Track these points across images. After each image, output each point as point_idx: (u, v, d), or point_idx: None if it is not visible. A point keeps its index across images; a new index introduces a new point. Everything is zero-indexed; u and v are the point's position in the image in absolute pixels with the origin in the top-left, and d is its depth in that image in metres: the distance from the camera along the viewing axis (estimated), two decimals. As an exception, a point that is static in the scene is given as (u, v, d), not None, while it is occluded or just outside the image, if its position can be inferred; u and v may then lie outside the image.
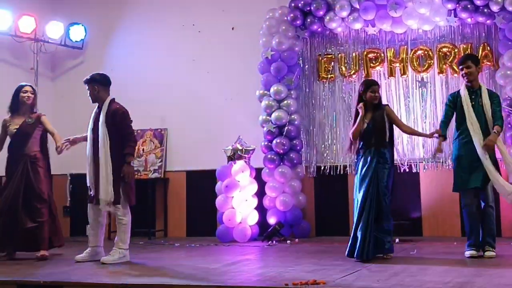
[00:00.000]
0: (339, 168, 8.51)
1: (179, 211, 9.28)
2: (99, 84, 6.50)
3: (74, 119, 7.59)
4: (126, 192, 6.34)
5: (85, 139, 6.60)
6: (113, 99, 6.55)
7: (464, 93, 6.14)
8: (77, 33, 9.71)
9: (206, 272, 5.63)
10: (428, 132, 7.26)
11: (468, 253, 6.03)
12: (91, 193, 6.42)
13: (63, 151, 6.75)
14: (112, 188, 6.24)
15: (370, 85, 6.24)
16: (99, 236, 6.52)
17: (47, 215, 6.79)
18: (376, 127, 6.13)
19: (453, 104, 6.23)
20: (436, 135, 6.32)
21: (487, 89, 6.23)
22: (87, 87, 6.52)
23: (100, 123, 6.37)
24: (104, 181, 6.24)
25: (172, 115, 9.38)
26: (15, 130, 6.86)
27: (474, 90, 6.13)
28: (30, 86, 7.11)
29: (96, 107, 6.57)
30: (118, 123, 6.38)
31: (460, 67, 6.22)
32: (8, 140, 6.98)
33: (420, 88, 8.20)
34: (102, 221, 6.52)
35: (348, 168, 8.36)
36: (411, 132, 6.83)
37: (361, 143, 6.18)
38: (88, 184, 6.46)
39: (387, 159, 6.12)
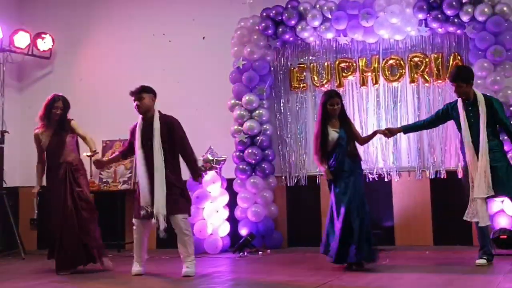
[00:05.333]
0: (311, 178, 8.45)
1: (150, 223, 9.11)
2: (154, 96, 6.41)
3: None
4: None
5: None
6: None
7: (460, 106, 6.18)
8: (45, 42, 9.54)
9: (177, 285, 5.55)
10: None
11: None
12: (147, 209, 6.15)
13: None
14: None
15: (329, 98, 6.18)
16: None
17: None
18: (350, 137, 6.12)
19: (445, 115, 6.31)
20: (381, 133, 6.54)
21: (483, 95, 6.22)
22: (142, 96, 6.28)
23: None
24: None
25: (142, 126, 9.23)
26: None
27: (469, 102, 6.14)
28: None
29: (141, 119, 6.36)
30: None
31: (451, 83, 6.27)
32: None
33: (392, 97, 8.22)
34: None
35: (320, 178, 8.30)
36: (364, 141, 6.71)
37: (335, 155, 6.11)
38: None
39: (361, 168, 6.16)
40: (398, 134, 7.26)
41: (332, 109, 6.12)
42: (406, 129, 6.62)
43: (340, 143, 6.10)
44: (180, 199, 6.17)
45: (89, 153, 6.88)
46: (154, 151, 6.15)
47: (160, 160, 6.11)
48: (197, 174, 6.40)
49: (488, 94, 6.52)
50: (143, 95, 6.29)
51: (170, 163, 6.19)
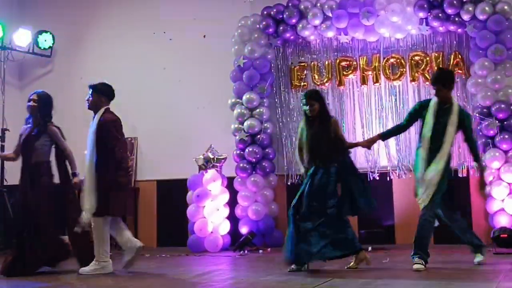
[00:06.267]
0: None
1: (150, 221, 9.15)
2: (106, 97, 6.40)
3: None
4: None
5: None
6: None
7: (433, 107, 5.90)
8: (46, 41, 9.55)
9: (177, 283, 5.55)
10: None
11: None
12: None
13: None
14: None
15: (302, 99, 5.99)
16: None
17: None
18: (325, 138, 5.88)
19: (417, 113, 6.05)
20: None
21: (459, 108, 5.96)
22: (90, 92, 6.33)
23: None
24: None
25: (143, 124, 9.26)
26: None
27: (445, 107, 5.88)
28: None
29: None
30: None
31: (432, 85, 6.12)
32: None
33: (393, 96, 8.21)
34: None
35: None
36: (349, 146, 6.32)
37: (308, 157, 5.98)
38: None
39: (331, 174, 5.85)
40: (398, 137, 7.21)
41: (308, 110, 5.91)
42: (384, 136, 6.35)
43: (312, 144, 5.94)
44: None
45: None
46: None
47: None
48: None
49: (464, 110, 6.27)
50: (93, 92, 6.35)
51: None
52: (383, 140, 6.59)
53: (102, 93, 6.38)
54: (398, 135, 7.49)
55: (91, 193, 6.09)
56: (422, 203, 5.77)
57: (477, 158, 6.02)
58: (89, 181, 6.13)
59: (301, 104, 6.06)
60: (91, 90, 6.35)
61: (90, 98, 6.34)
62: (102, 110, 6.33)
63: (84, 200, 6.12)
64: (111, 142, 6.20)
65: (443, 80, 5.89)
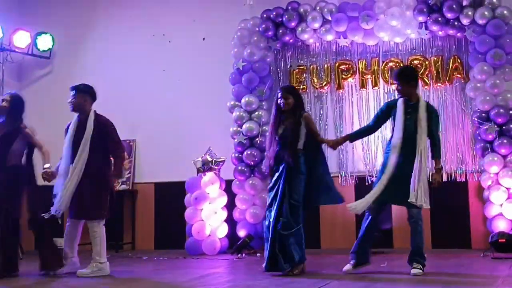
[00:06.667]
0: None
1: (148, 223, 9.13)
2: (90, 96, 6.40)
3: (42, 131, 7.39)
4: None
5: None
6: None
7: (401, 105, 5.91)
8: (45, 42, 9.54)
9: (174, 286, 5.53)
10: None
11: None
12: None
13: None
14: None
15: (278, 92, 6.09)
16: (75, 248, 6.41)
17: None
18: (294, 134, 5.93)
19: (384, 115, 6.05)
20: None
21: (426, 103, 5.98)
22: (73, 93, 6.34)
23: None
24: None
25: (141, 126, 9.25)
26: None
27: (411, 104, 5.88)
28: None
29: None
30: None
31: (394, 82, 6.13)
32: None
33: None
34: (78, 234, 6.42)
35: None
36: (322, 141, 6.34)
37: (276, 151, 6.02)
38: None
39: (300, 167, 5.90)
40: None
41: (282, 103, 5.99)
42: (352, 137, 6.40)
43: (281, 139, 6.01)
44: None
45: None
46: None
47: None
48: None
49: (431, 106, 6.18)
50: (75, 93, 6.35)
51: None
52: (351, 142, 6.62)
53: (86, 93, 6.39)
54: (367, 137, 7.42)
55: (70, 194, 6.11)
56: (416, 200, 5.68)
57: (436, 155, 5.87)
58: (75, 183, 6.13)
59: (275, 98, 6.11)
60: (74, 92, 6.36)
61: (74, 100, 6.34)
62: (92, 112, 6.35)
63: (63, 200, 6.11)
64: (115, 145, 6.25)
65: (403, 76, 5.91)
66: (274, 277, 5.74)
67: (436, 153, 5.89)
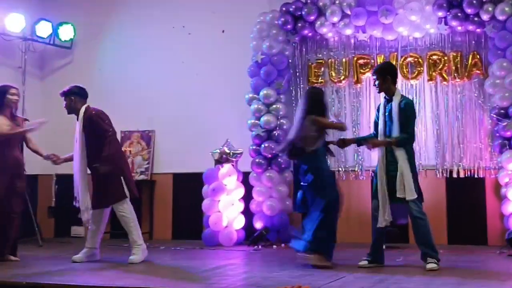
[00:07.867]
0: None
1: (165, 213, 9.21)
2: (76, 96, 6.61)
3: (62, 119, 7.53)
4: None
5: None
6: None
7: (382, 104, 6.13)
8: (66, 32, 9.62)
9: (191, 276, 5.59)
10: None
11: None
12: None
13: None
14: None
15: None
16: (97, 238, 6.63)
17: None
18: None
19: (378, 118, 6.21)
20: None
21: (402, 97, 6.06)
22: (63, 99, 6.64)
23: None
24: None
25: (160, 117, 9.32)
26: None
27: (389, 98, 6.05)
28: (17, 88, 7.00)
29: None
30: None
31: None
32: None
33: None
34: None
35: (337, 173, 8.29)
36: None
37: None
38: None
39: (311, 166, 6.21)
40: None
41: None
42: (359, 141, 6.50)
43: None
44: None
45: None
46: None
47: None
48: None
49: (406, 98, 6.21)
50: (63, 98, 6.65)
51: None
52: (358, 146, 6.74)
53: (72, 94, 6.62)
54: None
55: (85, 191, 6.41)
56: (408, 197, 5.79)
57: (394, 138, 5.86)
58: (82, 179, 6.42)
59: None
60: (62, 97, 6.66)
61: (65, 104, 6.66)
62: (83, 108, 6.57)
63: (81, 200, 6.41)
64: (103, 133, 6.43)
65: (380, 72, 6.07)
66: (290, 269, 5.78)
67: (396, 137, 5.86)
